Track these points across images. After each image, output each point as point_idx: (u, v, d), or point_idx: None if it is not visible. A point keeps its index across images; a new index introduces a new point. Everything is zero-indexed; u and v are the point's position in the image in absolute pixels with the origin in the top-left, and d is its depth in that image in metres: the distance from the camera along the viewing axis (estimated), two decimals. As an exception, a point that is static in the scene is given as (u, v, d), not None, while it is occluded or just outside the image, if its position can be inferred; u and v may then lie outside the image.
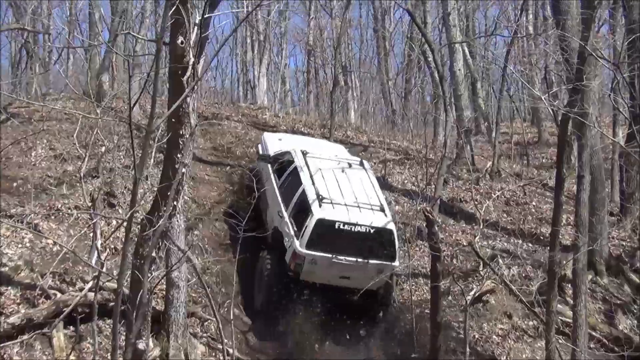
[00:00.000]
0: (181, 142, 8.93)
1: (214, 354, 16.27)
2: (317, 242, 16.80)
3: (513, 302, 18.31)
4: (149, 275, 9.24)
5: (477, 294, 17.54)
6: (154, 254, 9.26)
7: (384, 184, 22.49)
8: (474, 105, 30.74)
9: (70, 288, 15.75)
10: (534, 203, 23.23)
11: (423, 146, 25.43)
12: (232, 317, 14.20)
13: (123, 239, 13.67)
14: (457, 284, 17.22)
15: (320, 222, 16.84)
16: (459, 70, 26.79)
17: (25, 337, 14.47)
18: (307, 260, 16.85)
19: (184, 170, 9.13)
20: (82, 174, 13.11)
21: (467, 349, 15.08)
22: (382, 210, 17.54)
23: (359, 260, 16.97)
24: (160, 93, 20.69)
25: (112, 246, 17.06)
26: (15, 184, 18.71)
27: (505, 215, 22.35)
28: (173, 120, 8.86)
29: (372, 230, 17.05)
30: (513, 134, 30.67)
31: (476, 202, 21.72)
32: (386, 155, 25.05)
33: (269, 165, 19.66)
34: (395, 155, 26.06)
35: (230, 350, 14.56)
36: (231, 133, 26.12)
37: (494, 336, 17.81)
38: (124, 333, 9.48)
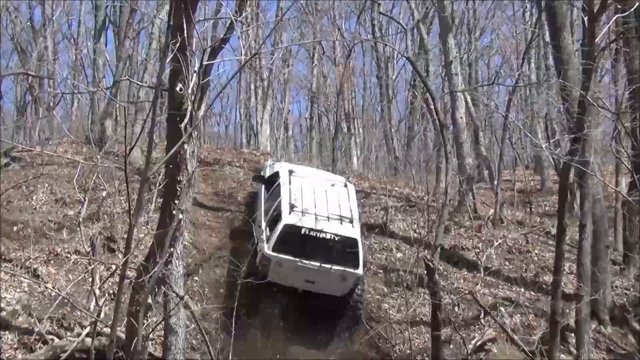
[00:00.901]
0: (178, 189, 8.91)
1: (211, 401, 16.08)
2: (283, 246, 17.67)
3: (515, 351, 18.08)
4: (145, 322, 9.17)
5: (478, 343, 17.46)
6: (149, 301, 9.19)
7: (386, 231, 22.44)
8: (476, 153, 30.68)
9: (68, 333, 15.72)
10: (536, 251, 23.03)
11: (425, 193, 25.34)
12: (230, 365, 14.07)
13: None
14: (458, 333, 17.08)
15: (287, 228, 17.70)
16: (461, 117, 26.75)
17: (21, 382, 14.39)
18: (273, 262, 17.68)
19: (181, 216, 9.09)
20: (81, 219, 13.14)
21: (468, 400, 14.93)
22: (351, 222, 18.26)
23: (323, 265, 17.64)
24: (161, 139, 20.78)
25: (111, 291, 16.99)
26: (15, 228, 18.72)
27: (507, 263, 22.18)
28: (170, 166, 8.84)
29: (337, 238, 17.83)
30: (516, 181, 30.56)
31: (478, 250, 21.61)
32: (388, 202, 24.97)
33: (263, 186, 20.64)
34: (397, 202, 25.97)
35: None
36: (232, 178, 26.11)
37: (496, 386, 17.63)
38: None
